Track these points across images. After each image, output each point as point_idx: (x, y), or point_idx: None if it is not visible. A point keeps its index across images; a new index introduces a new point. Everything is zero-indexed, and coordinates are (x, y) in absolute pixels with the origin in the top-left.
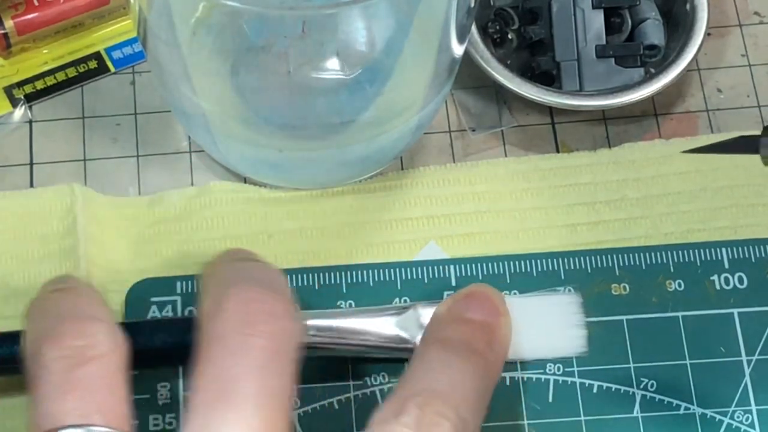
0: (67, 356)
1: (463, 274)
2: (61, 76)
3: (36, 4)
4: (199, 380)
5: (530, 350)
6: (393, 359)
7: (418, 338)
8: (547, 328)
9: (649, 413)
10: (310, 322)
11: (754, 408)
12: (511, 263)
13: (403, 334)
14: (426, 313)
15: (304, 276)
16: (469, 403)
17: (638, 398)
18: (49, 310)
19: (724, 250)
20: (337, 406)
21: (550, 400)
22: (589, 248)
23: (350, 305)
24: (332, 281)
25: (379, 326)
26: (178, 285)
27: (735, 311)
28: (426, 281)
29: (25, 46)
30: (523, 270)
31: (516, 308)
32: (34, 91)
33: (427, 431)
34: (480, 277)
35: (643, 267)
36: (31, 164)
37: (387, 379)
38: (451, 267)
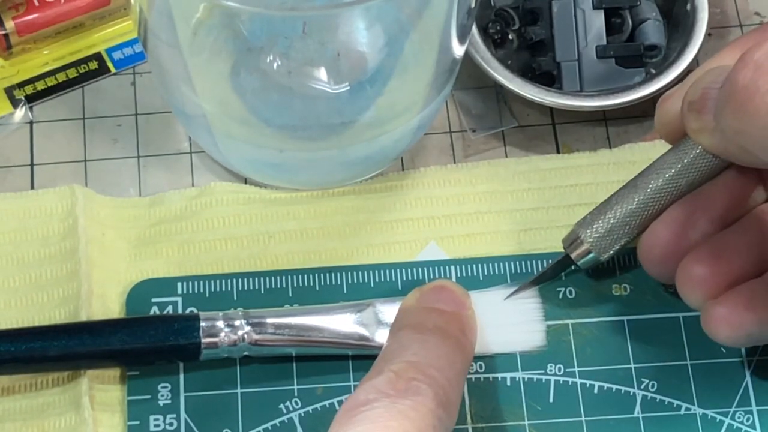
0: None
1: (464, 274)
2: (61, 77)
3: (37, 4)
4: None
5: (492, 345)
6: (357, 356)
7: (377, 335)
8: (507, 323)
9: (649, 413)
10: (268, 320)
11: (754, 408)
12: (512, 264)
13: (363, 331)
14: (385, 310)
15: (305, 276)
16: (447, 376)
17: (639, 398)
18: None
19: None
20: (337, 407)
21: (551, 400)
22: None
23: None
24: (333, 282)
25: (338, 323)
26: (178, 285)
27: None
28: (427, 282)
29: (26, 46)
30: (524, 271)
31: (478, 304)
32: (34, 92)
33: (403, 392)
34: (480, 278)
35: None
36: (32, 165)
37: None
38: (452, 268)
